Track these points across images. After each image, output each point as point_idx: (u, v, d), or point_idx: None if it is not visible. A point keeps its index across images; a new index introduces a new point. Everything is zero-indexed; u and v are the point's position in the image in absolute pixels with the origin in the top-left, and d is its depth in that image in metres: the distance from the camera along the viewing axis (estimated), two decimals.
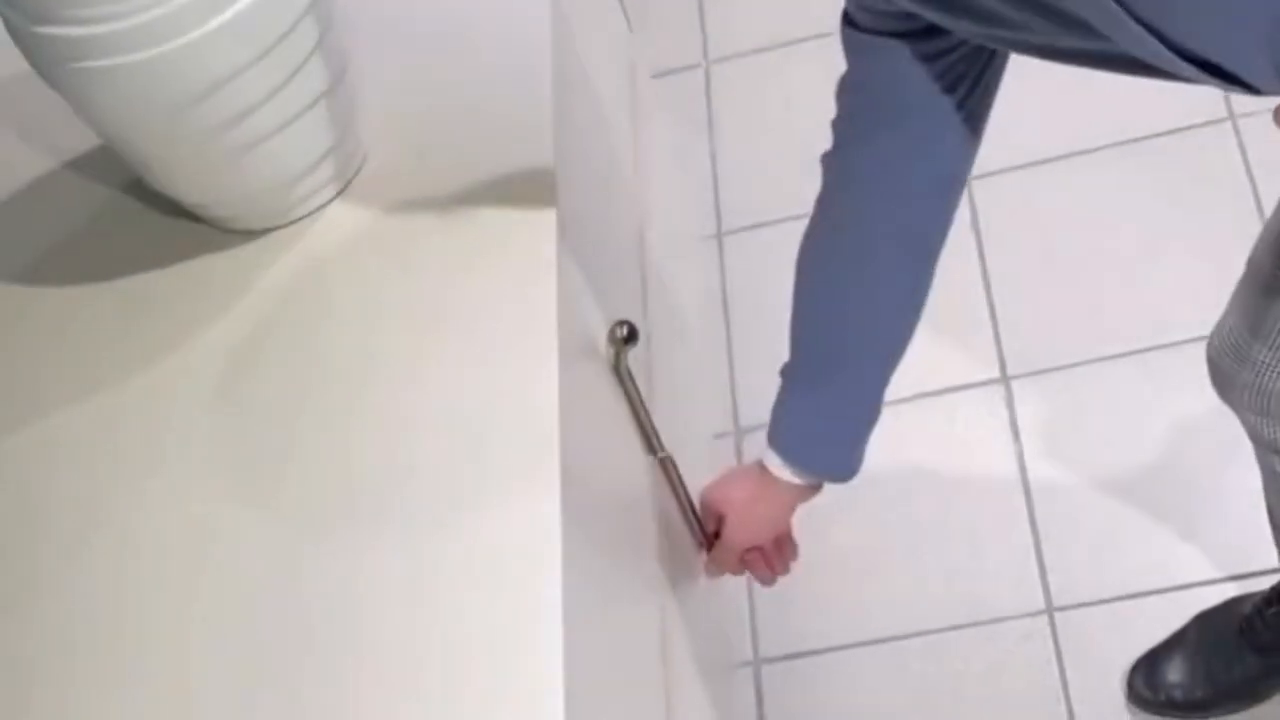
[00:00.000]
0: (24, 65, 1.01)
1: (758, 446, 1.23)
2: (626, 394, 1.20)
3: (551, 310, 1.02)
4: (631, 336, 1.14)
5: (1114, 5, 0.75)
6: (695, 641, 1.37)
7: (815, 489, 1.21)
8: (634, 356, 1.17)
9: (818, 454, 1.17)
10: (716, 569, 1.33)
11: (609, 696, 0.98)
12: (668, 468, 1.26)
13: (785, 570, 1.33)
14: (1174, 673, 1.66)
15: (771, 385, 1.18)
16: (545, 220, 1.07)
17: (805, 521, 1.29)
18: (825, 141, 1.04)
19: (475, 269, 1.07)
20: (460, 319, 1.05)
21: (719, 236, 2.18)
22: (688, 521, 1.29)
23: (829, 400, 1.15)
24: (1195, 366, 1.92)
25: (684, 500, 1.28)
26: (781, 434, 1.17)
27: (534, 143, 1.12)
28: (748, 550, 1.29)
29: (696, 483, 1.29)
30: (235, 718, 0.91)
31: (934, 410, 1.94)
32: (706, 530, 1.29)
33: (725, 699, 1.55)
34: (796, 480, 1.18)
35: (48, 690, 0.95)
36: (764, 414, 1.20)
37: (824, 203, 1.08)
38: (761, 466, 1.19)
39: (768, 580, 1.34)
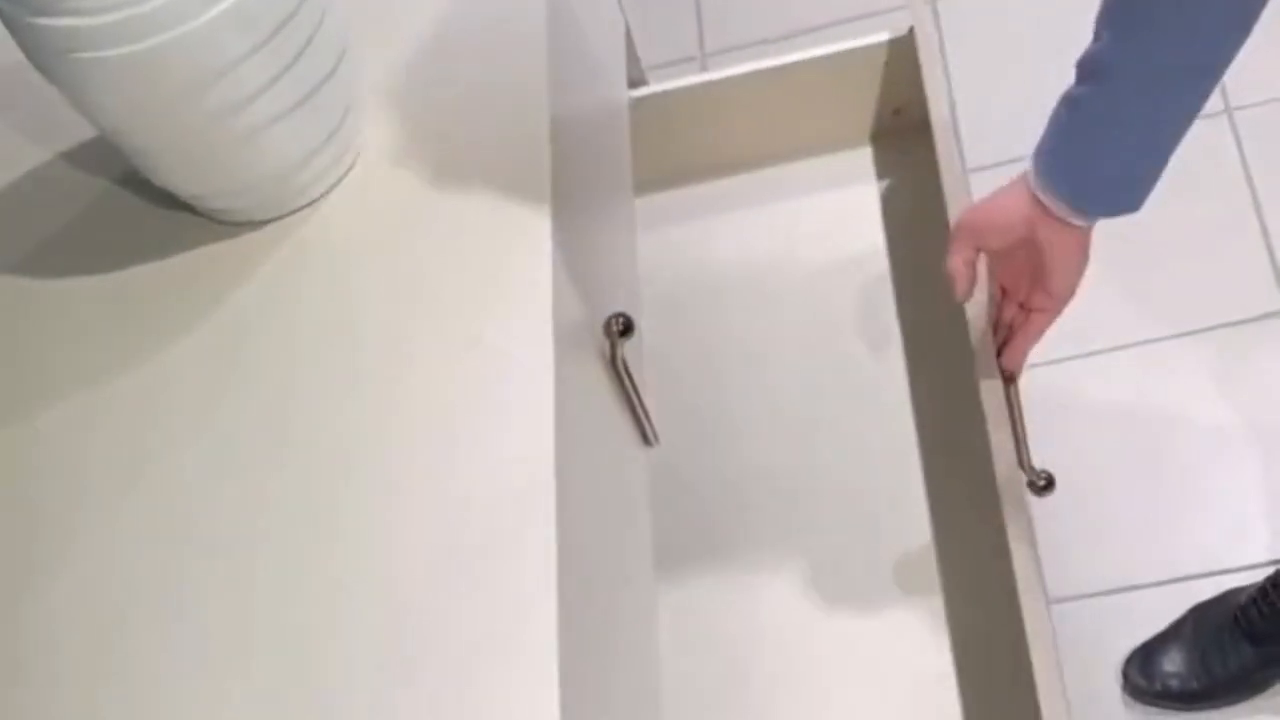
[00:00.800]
0: (17, 56, 1.01)
1: None
2: (623, 386, 1.20)
3: (547, 303, 1.02)
4: (628, 329, 1.14)
5: None
6: None
7: (1059, 222, 1.07)
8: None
9: (1074, 176, 1.05)
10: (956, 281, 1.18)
11: (605, 690, 0.98)
12: (1009, 392, 1.23)
13: (1006, 355, 1.21)
14: (1170, 663, 1.67)
15: None
16: (540, 207, 1.07)
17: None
18: None
19: (471, 257, 1.07)
20: (455, 307, 1.05)
21: None
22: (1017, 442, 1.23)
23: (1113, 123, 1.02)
24: (1192, 359, 1.94)
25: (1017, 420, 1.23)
26: (1048, 148, 1.05)
27: (530, 125, 1.13)
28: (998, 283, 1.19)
29: None
30: (243, 674, 0.92)
31: None
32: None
33: None
34: (1039, 193, 1.06)
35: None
36: None
37: None
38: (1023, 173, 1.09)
39: (1000, 338, 1.21)
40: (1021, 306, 1.19)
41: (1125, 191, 1.05)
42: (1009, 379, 1.23)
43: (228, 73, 1.00)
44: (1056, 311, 1.16)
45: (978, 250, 1.16)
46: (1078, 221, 1.07)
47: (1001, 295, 1.21)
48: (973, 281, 1.17)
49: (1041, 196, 1.06)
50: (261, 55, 1.00)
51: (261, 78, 1.02)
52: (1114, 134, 1.02)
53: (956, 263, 1.16)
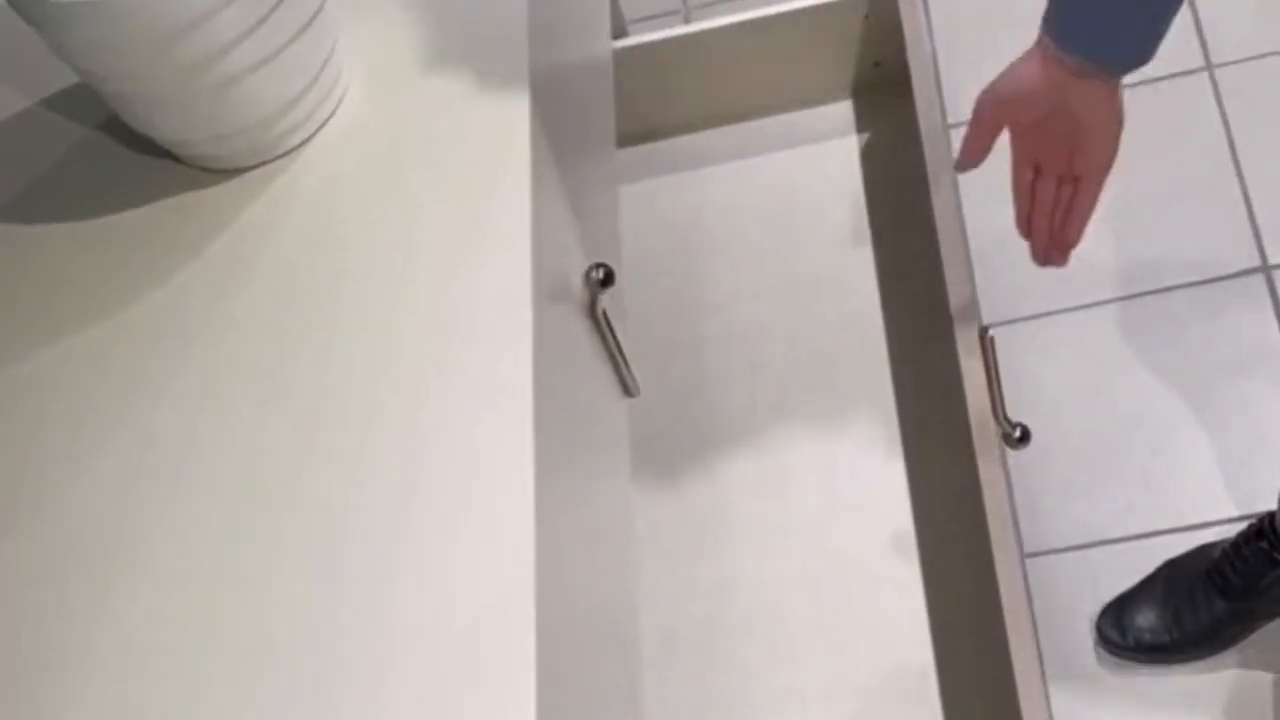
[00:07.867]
0: None
1: None
2: (602, 337, 1.20)
3: (526, 252, 1.02)
4: (608, 279, 1.14)
5: None
6: None
7: (1085, 82, 1.05)
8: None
9: (1085, 30, 1.02)
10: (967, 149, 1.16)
11: (581, 641, 0.99)
12: (985, 343, 1.23)
13: (1069, 228, 1.16)
14: (1143, 618, 1.69)
15: None
16: (520, 157, 1.08)
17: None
18: None
19: (451, 204, 1.07)
20: (434, 254, 1.05)
21: None
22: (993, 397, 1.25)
23: None
24: (1166, 316, 1.95)
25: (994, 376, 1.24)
26: (1059, 10, 1.03)
27: (511, 76, 1.12)
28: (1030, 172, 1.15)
29: None
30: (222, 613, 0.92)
31: None
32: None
33: None
34: (1059, 54, 1.03)
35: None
36: None
37: None
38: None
39: (1040, 233, 1.17)
40: (1062, 180, 1.15)
41: (1142, 38, 1.02)
42: (1065, 250, 1.17)
43: (207, 19, 0.99)
44: (1103, 178, 1.13)
45: (1001, 127, 1.12)
46: (1100, 74, 1.04)
47: (1035, 174, 1.16)
48: (983, 155, 1.14)
49: (1061, 56, 1.03)
50: (241, 2, 1.00)
51: (241, 25, 1.01)
52: None
53: (974, 134, 1.13)
